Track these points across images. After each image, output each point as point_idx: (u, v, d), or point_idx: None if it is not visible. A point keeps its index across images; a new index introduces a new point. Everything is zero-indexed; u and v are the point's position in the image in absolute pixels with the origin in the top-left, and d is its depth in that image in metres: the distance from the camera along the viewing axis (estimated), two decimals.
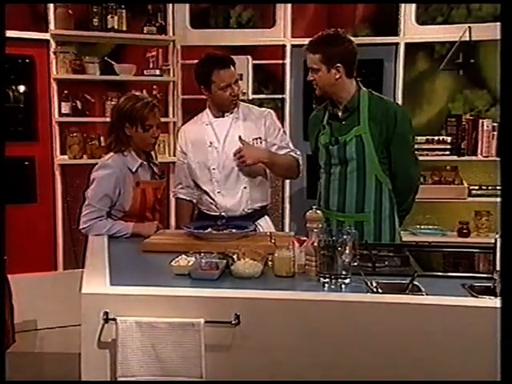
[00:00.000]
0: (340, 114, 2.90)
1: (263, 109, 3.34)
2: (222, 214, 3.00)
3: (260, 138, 3.12)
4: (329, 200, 2.96)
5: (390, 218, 2.90)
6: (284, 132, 3.28)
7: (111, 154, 2.90)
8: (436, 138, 4.46)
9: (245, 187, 3.10)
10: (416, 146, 4.37)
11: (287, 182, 4.61)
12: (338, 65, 2.78)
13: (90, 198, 2.82)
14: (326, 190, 2.97)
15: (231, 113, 3.12)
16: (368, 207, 2.86)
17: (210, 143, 3.11)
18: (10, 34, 3.44)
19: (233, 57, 3.14)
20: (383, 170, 2.86)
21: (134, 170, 2.88)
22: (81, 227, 2.82)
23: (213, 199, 3.12)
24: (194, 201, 3.23)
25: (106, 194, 2.80)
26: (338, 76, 2.80)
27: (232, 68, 3.04)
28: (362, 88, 2.89)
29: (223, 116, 3.13)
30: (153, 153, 3.07)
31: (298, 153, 3.21)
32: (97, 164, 2.93)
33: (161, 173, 3.08)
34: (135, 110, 2.84)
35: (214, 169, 3.10)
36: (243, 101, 3.38)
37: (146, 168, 2.97)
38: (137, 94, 3.00)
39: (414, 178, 2.99)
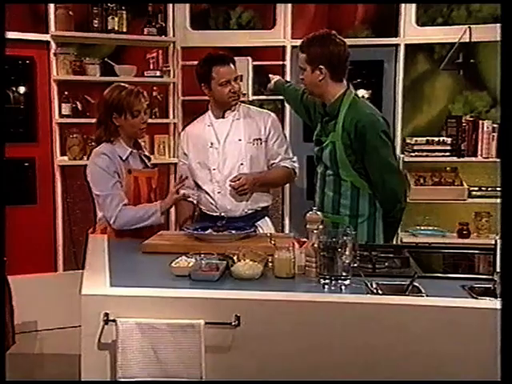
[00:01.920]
0: (324, 115, 2.90)
1: (265, 110, 3.35)
2: (222, 214, 3.01)
3: (260, 140, 3.13)
4: (315, 197, 2.99)
5: (368, 223, 2.83)
6: (284, 136, 3.29)
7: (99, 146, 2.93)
8: (436, 139, 4.45)
9: None
10: (416, 148, 4.42)
11: None
12: (321, 66, 2.76)
13: (102, 188, 2.82)
14: (314, 187, 3.01)
15: (232, 110, 3.14)
16: (344, 210, 2.84)
17: (211, 144, 3.13)
18: (10, 35, 3.44)
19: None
20: (361, 177, 2.79)
21: (124, 157, 2.89)
22: (111, 222, 2.80)
23: (213, 199, 3.13)
24: (195, 201, 3.24)
25: (110, 174, 2.81)
26: (321, 78, 2.77)
27: (232, 66, 3.07)
28: (348, 92, 2.81)
29: (223, 117, 3.15)
30: (143, 145, 3.11)
31: (295, 159, 3.24)
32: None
33: (152, 166, 3.10)
34: (121, 98, 2.87)
35: (214, 169, 3.11)
36: (243, 102, 3.40)
37: (138, 159, 2.99)
38: (121, 84, 2.99)
39: (395, 189, 2.84)
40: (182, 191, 2.93)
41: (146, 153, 3.16)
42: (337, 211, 2.86)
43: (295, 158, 3.25)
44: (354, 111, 2.76)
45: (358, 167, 2.79)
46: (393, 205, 2.86)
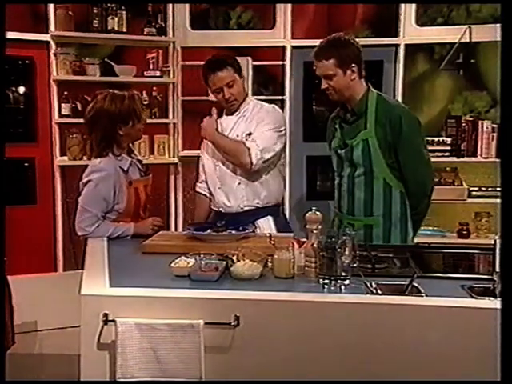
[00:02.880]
0: (349, 116, 2.90)
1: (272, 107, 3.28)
2: (220, 209, 3.14)
3: (252, 134, 3.14)
4: (340, 202, 2.96)
5: (401, 222, 2.85)
6: (271, 125, 3.11)
7: (99, 158, 2.83)
8: (436, 139, 4.46)
9: (239, 183, 3.13)
10: None
11: (287, 183, 4.60)
12: (353, 65, 2.78)
13: (86, 202, 2.77)
14: (338, 192, 2.98)
15: (236, 110, 3.18)
16: (377, 211, 2.83)
17: None
18: (10, 35, 3.42)
19: None
20: (393, 173, 2.81)
21: (125, 169, 2.85)
22: (80, 234, 2.78)
23: (213, 194, 3.22)
24: (209, 196, 3.30)
25: (104, 198, 2.76)
26: (353, 77, 2.80)
27: (222, 72, 3.05)
28: (371, 90, 2.87)
29: (232, 114, 3.21)
30: (136, 152, 3.12)
31: (261, 148, 3.02)
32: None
33: (145, 169, 3.05)
34: (127, 107, 2.82)
35: (217, 165, 3.19)
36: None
37: (135, 167, 2.97)
38: (114, 92, 2.87)
39: (425, 182, 2.90)
40: (156, 224, 2.88)
41: (139, 156, 3.13)
42: (370, 213, 2.84)
43: (261, 148, 3.02)
44: (384, 104, 2.82)
45: (392, 162, 2.80)
46: (421, 199, 2.89)
